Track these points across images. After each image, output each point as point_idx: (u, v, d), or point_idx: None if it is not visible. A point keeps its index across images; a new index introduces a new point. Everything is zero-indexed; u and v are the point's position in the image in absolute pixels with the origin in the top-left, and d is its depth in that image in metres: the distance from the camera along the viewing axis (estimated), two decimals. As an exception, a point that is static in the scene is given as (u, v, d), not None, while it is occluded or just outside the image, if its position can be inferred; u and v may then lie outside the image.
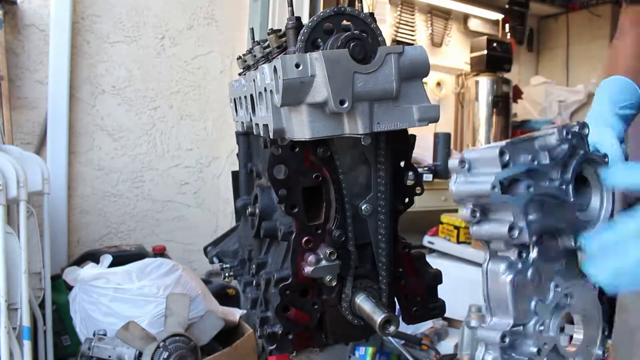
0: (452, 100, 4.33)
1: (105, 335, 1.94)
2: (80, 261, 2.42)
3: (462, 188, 0.69)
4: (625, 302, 1.18)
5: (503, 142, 0.69)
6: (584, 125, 0.76)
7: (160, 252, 2.72)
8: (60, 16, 2.51)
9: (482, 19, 4.24)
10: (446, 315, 1.24)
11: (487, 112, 4.05)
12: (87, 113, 2.70)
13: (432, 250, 3.19)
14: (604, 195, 0.76)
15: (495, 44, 3.96)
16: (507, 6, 4.17)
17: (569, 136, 0.72)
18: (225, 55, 3.05)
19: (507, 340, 0.69)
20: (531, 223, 0.68)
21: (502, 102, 4.04)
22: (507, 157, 0.68)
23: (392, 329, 0.83)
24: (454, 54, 4.22)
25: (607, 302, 0.81)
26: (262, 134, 0.95)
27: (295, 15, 0.81)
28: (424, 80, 0.84)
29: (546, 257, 0.72)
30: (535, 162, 0.70)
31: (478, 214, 0.69)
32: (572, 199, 0.72)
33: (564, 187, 0.71)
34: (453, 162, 0.69)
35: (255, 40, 1.09)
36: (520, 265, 0.71)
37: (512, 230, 0.67)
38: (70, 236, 2.66)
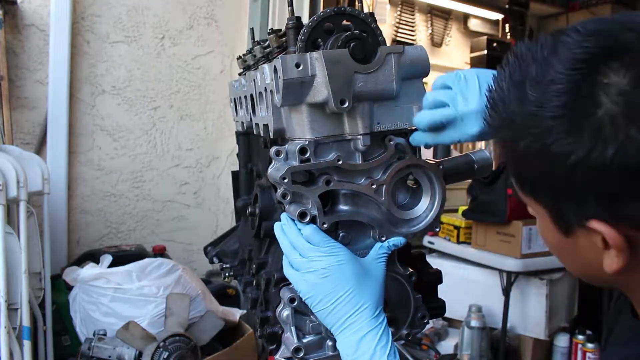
0: (452, 100, 4.32)
1: (105, 335, 1.94)
2: (80, 261, 2.41)
3: (273, 174, 0.80)
4: None
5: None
6: (421, 134, 0.83)
7: (160, 252, 2.72)
8: (60, 16, 2.51)
9: (482, 19, 4.24)
10: (446, 315, 1.24)
11: (487, 112, 4.04)
12: (87, 113, 2.70)
13: (432, 250, 3.19)
14: (435, 200, 0.83)
15: (495, 44, 3.96)
16: (507, 6, 4.16)
17: (392, 142, 0.80)
18: (225, 55, 3.05)
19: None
20: (336, 211, 0.80)
21: (502, 102, 4.03)
22: (307, 154, 0.77)
23: (391, 329, 0.83)
24: (454, 54, 4.22)
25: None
26: (262, 134, 0.95)
27: (295, 15, 0.81)
28: (424, 80, 0.84)
29: (351, 245, 0.81)
30: (340, 162, 0.77)
31: (289, 197, 0.79)
32: (382, 198, 0.79)
33: (374, 186, 0.79)
34: (271, 150, 0.80)
35: (256, 40, 1.09)
36: None
37: (303, 216, 0.78)
38: (70, 236, 2.66)
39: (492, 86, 0.63)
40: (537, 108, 0.55)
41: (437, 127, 0.80)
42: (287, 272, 0.79)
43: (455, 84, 0.80)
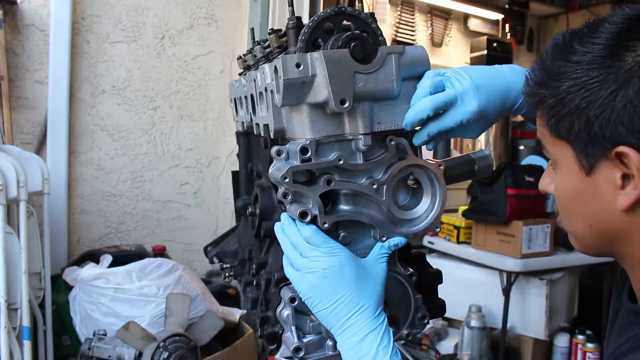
0: (452, 100, 4.32)
1: (105, 335, 1.94)
2: (80, 261, 2.41)
3: (274, 174, 0.79)
4: None
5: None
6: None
7: (160, 252, 2.72)
8: (60, 16, 2.50)
9: (482, 19, 4.24)
10: (446, 315, 1.24)
11: (487, 112, 4.04)
12: (87, 113, 2.70)
13: (432, 250, 3.19)
14: (436, 200, 0.83)
15: (495, 44, 3.95)
16: (507, 6, 4.16)
17: (392, 142, 0.80)
18: (225, 55, 3.05)
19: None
20: (336, 211, 0.81)
21: (502, 102, 4.03)
22: (308, 153, 0.76)
23: (391, 329, 0.83)
24: (454, 54, 4.22)
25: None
26: (262, 134, 0.95)
27: (295, 15, 0.81)
28: (425, 80, 0.84)
29: (351, 245, 0.82)
30: (341, 161, 0.77)
31: (290, 196, 0.78)
32: (383, 198, 0.79)
33: (374, 186, 0.79)
34: (272, 150, 0.79)
35: (256, 40, 1.09)
36: None
37: (304, 216, 0.77)
38: (70, 236, 2.66)
39: (539, 58, 0.71)
40: (583, 55, 0.65)
41: (438, 113, 0.80)
42: (288, 272, 0.79)
43: (445, 72, 0.82)
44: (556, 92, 0.67)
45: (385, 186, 0.80)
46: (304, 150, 0.77)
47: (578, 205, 0.71)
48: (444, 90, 0.80)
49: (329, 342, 0.82)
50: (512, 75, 0.82)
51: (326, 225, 0.78)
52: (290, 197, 0.79)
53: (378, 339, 0.73)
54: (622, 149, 0.62)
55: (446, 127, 0.81)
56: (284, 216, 0.82)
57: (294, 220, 0.80)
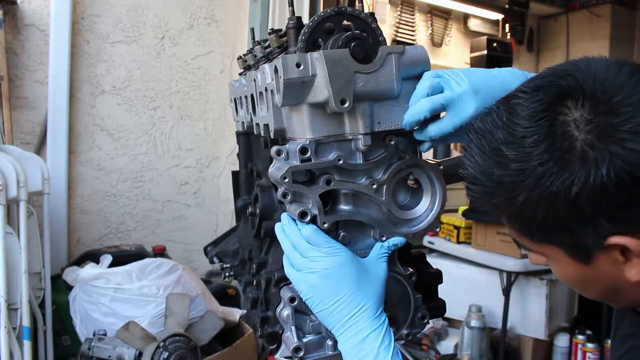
0: (452, 100, 4.33)
1: (105, 335, 1.94)
2: (80, 261, 2.41)
3: (273, 174, 0.79)
4: None
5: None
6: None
7: (160, 252, 2.72)
8: (60, 16, 2.50)
9: (482, 19, 4.24)
10: (446, 315, 1.24)
11: (487, 112, 4.04)
12: (87, 113, 2.70)
13: (432, 250, 3.19)
14: (436, 200, 0.84)
15: (495, 44, 3.95)
16: (507, 6, 4.16)
17: (392, 142, 0.80)
18: (225, 55, 3.05)
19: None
20: (336, 211, 0.80)
21: (502, 102, 4.03)
22: (308, 153, 0.76)
23: (391, 329, 0.83)
24: (454, 54, 4.22)
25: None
26: (262, 134, 0.95)
27: (295, 15, 0.81)
28: (425, 80, 0.84)
29: (351, 245, 0.82)
30: (340, 161, 0.77)
31: (290, 196, 0.78)
32: (383, 198, 0.79)
33: (374, 186, 0.79)
34: (272, 150, 0.79)
35: (256, 40, 1.09)
36: None
37: (304, 216, 0.78)
38: (70, 236, 2.66)
39: (465, 166, 0.69)
40: (522, 162, 0.61)
41: (435, 116, 0.80)
42: (288, 272, 0.79)
43: (444, 74, 0.81)
44: (512, 204, 0.64)
45: (385, 186, 0.80)
46: (303, 150, 0.77)
47: (589, 287, 0.71)
48: (442, 92, 0.80)
49: (329, 342, 0.82)
50: (511, 77, 0.82)
51: (326, 225, 0.78)
52: (290, 197, 0.79)
53: (379, 339, 0.73)
54: (614, 240, 0.61)
55: (445, 132, 0.80)
56: (284, 216, 0.82)
57: (294, 220, 0.80)
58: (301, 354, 0.81)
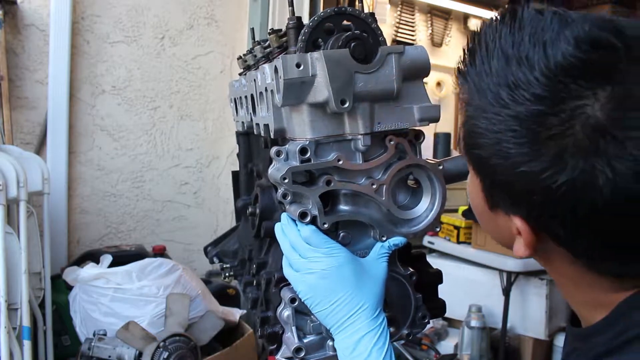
0: (452, 100, 4.33)
1: (105, 335, 1.94)
2: (80, 261, 2.41)
3: (273, 174, 0.79)
4: None
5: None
6: (419, 134, 0.83)
7: (160, 252, 2.72)
8: (60, 16, 2.50)
9: (482, 19, 4.24)
10: (446, 315, 1.24)
11: (487, 112, 4.04)
12: (87, 113, 2.70)
13: (432, 250, 3.19)
14: (436, 199, 0.83)
15: (495, 44, 3.95)
16: (507, 6, 4.16)
17: (392, 142, 0.80)
18: (225, 55, 3.05)
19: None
20: (336, 212, 0.80)
21: (502, 102, 4.03)
22: (307, 154, 0.76)
23: (391, 329, 0.83)
24: (454, 54, 4.22)
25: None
26: (262, 134, 0.95)
27: (295, 15, 0.81)
28: (425, 80, 0.84)
29: (351, 245, 0.82)
30: (340, 162, 0.77)
31: (289, 197, 0.79)
32: (383, 198, 0.79)
33: (374, 186, 0.79)
34: (272, 151, 0.79)
35: (256, 40, 1.09)
36: None
37: (304, 217, 0.77)
38: (70, 236, 2.66)
39: (482, 33, 0.61)
40: (511, 99, 0.54)
41: None
42: (287, 272, 0.79)
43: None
44: (474, 116, 0.59)
45: (384, 186, 0.80)
46: (303, 151, 0.77)
47: (484, 220, 0.70)
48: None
49: (330, 343, 0.82)
50: None
51: (326, 226, 0.78)
52: (289, 197, 0.79)
53: (374, 340, 0.73)
54: (517, 222, 0.59)
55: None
56: (284, 216, 0.82)
57: (294, 220, 0.80)
58: (302, 354, 0.81)
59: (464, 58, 0.63)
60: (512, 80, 0.55)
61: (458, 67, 0.65)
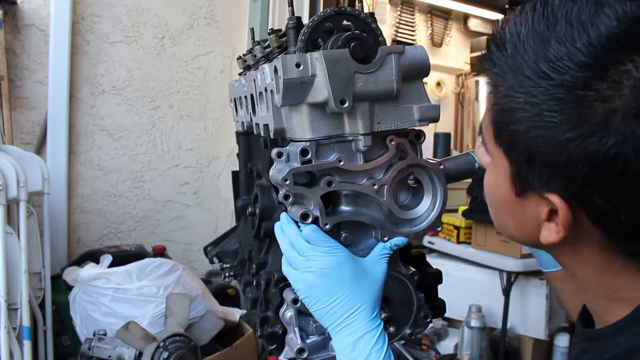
0: (452, 100, 4.34)
1: (105, 335, 1.94)
2: (80, 261, 2.41)
3: (274, 176, 0.79)
4: None
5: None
6: (419, 134, 0.83)
7: (160, 252, 2.72)
8: (60, 16, 2.50)
9: (482, 19, 4.24)
10: (446, 315, 1.24)
11: (487, 112, 4.04)
12: (87, 113, 2.70)
13: (432, 250, 3.19)
14: (437, 199, 0.83)
15: (495, 44, 3.95)
16: (507, 6, 4.16)
17: (392, 142, 0.80)
18: (225, 55, 3.05)
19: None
20: (338, 212, 0.81)
21: (502, 102, 4.02)
22: (308, 155, 0.76)
23: (391, 329, 0.83)
24: (454, 54, 4.22)
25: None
26: (262, 134, 0.95)
27: (295, 15, 0.81)
28: (424, 80, 0.84)
29: (353, 246, 0.82)
30: (341, 162, 0.77)
31: (291, 198, 0.79)
32: (384, 198, 0.79)
33: (375, 186, 0.79)
34: (273, 152, 0.79)
35: (256, 40, 1.09)
36: None
37: (305, 218, 0.77)
38: (70, 236, 2.66)
39: (508, 21, 0.59)
40: (553, 71, 0.53)
41: None
42: (285, 270, 0.79)
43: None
44: (510, 95, 0.57)
45: (386, 186, 0.80)
46: (304, 152, 0.77)
47: (505, 212, 0.67)
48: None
49: (332, 343, 0.82)
50: None
51: (328, 227, 0.78)
52: (291, 199, 0.79)
53: (373, 341, 0.73)
54: (555, 199, 0.57)
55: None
56: (283, 215, 0.82)
57: (295, 221, 0.80)
58: (305, 355, 0.81)
59: (491, 47, 0.61)
60: (554, 54, 0.53)
61: (483, 55, 0.62)
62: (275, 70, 0.76)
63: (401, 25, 3.86)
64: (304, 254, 0.77)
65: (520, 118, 0.56)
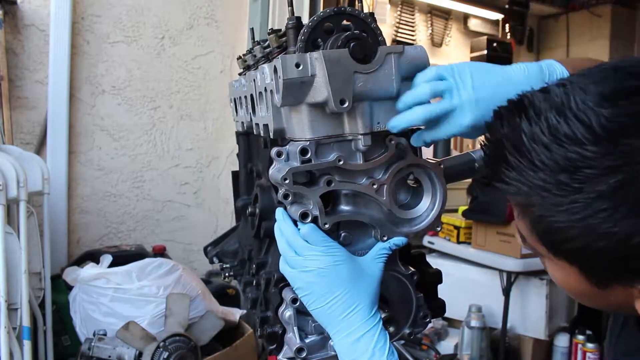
0: (452, 100, 4.32)
1: (105, 335, 1.94)
2: (80, 261, 2.41)
3: (274, 175, 0.79)
4: None
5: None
6: (419, 134, 0.83)
7: (160, 252, 2.72)
8: (60, 16, 2.51)
9: (482, 19, 4.24)
10: (446, 315, 1.24)
11: (487, 112, 4.04)
12: (87, 113, 2.70)
13: (432, 250, 3.19)
14: (436, 199, 0.83)
15: (495, 44, 3.96)
16: (507, 6, 4.16)
17: (392, 142, 0.80)
18: (225, 55, 3.05)
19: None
20: (337, 212, 0.80)
21: (502, 102, 4.03)
22: (308, 154, 0.76)
23: (391, 329, 0.83)
24: (454, 54, 4.22)
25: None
26: (262, 134, 0.95)
27: (295, 15, 0.81)
28: (424, 80, 0.84)
29: (352, 245, 0.82)
30: (341, 162, 0.77)
31: (290, 197, 0.79)
32: (383, 198, 0.79)
33: (375, 186, 0.79)
34: (272, 151, 0.79)
35: (256, 40, 1.09)
36: None
37: (305, 217, 0.77)
38: (70, 236, 2.66)
39: (499, 137, 0.59)
40: (578, 182, 0.52)
41: (431, 122, 0.77)
42: (283, 269, 0.79)
43: (450, 75, 0.76)
44: (545, 214, 0.56)
45: (385, 186, 0.80)
46: (303, 152, 0.77)
47: (588, 300, 0.65)
48: (442, 95, 0.76)
49: (331, 343, 0.82)
50: (525, 79, 0.74)
51: (327, 226, 0.78)
52: (290, 198, 0.79)
53: (374, 339, 0.73)
54: None
55: (438, 138, 0.78)
56: (278, 212, 0.82)
57: (295, 221, 0.80)
58: (304, 354, 0.81)
59: (494, 168, 0.60)
60: (569, 164, 0.53)
61: (492, 179, 0.61)
62: (275, 70, 0.76)
63: (401, 25, 3.86)
64: (302, 253, 0.77)
65: (574, 236, 0.55)
